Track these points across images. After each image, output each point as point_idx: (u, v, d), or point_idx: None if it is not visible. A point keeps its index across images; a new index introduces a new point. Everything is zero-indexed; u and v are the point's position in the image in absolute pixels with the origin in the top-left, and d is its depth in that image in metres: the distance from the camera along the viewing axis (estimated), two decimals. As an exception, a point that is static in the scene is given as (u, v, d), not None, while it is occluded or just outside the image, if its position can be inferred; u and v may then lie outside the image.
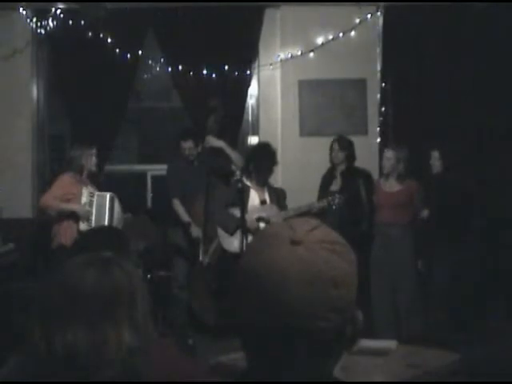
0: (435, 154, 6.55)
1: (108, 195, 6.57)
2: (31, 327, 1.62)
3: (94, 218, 6.44)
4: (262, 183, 6.43)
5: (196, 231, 6.70)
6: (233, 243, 6.25)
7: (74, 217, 6.40)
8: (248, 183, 6.33)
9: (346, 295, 1.16)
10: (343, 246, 1.20)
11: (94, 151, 6.63)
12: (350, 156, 6.63)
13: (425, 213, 6.43)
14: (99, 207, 6.49)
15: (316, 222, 1.22)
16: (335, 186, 6.62)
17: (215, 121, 6.97)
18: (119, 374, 1.60)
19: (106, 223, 6.42)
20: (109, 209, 6.52)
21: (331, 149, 6.66)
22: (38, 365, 1.60)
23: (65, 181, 6.49)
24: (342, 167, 6.64)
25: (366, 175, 6.69)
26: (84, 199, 6.46)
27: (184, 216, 6.79)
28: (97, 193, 6.56)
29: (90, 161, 6.59)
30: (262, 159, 6.37)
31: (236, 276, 1.20)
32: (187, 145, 6.88)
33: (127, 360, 1.60)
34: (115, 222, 6.47)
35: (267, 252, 1.16)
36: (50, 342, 1.58)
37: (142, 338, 1.64)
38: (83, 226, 6.33)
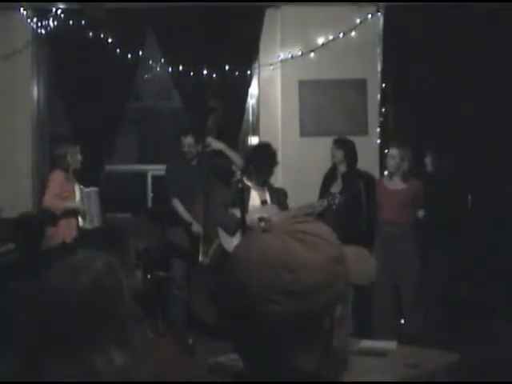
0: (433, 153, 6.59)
1: (95, 191, 6.65)
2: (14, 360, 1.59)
3: (87, 214, 6.53)
4: (263, 183, 6.42)
5: (197, 228, 6.70)
6: (233, 244, 6.24)
7: (73, 214, 6.45)
8: (248, 183, 6.33)
9: (303, 281, 1.14)
10: (321, 238, 1.19)
11: (78, 149, 6.66)
12: (350, 156, 6.60)
13: (420, 213, 6.43)
14: (90, 203, 6.57)
15: (310, 219, 1.24)
16: (336, 187, 6.59)
17: (215, 121, 6.97)
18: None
19: (97, 218, 6.54)
20: (98, 204, 6.62)
21: (330, 148, 6.66)
22: None
23: (60, 179, 6.53)
24: (342, 168, 6.61)
25: (367, 178, 6.67)
26: (77, 197, 6.53)
27: (185, 215, 6.79)
28: (85, 189, 6.62)
29: (76, 158, 6.63)
30: (263, 159, 6.35)
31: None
32: (187, 141, 6.86)
33: (120, 373, 1.58)
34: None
35: (244, 242, 1.24)
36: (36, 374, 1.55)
37: (129, 344, 1.60)
38: (82, 223, 6.40)
